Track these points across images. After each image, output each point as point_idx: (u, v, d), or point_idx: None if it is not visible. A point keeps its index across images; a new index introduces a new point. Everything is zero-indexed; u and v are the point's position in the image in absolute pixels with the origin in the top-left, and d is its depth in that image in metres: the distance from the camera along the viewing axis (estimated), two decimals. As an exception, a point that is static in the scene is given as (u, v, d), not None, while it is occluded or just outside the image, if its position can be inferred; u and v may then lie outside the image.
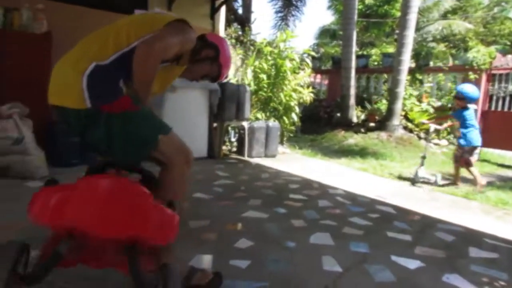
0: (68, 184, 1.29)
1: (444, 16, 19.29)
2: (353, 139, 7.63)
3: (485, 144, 7.55)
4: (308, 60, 6.65)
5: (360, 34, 18.66)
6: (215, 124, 5.02)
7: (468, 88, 4.53)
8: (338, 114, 9.01)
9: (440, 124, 5.21)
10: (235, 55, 6.42)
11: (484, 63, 7.73)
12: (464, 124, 4.47)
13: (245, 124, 5.26)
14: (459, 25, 18.05)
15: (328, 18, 51.07)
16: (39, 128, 3.77)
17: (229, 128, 5.63)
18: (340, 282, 1.96)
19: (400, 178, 4.91)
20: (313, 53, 8.28)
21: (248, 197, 3.38)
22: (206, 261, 2.05)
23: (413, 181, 4.57)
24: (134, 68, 1.52)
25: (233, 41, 6.56)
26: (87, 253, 1.28)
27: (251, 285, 1.83)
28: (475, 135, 4.44)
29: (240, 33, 6.92)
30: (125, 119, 1.53)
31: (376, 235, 2.69)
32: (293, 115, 6.22)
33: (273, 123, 5.66)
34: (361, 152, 6.76)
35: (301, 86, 6.35)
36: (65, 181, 1.36)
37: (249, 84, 5.75)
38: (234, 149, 5.63)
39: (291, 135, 6.77)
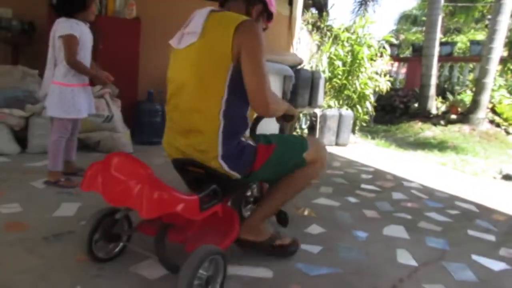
0: None
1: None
2: (431, 132, 7.20)
3: None
4: (387, 47, 6.35)
5: (445, 19, 17.32)
6: (287, 111, 5.06)
7: None
8: (416, 105, 8.53)
9: None
10: (311, 41, 6.34)
11: None
12: None
13: (317, 111, 5.23)
14: None
15: (409, 3, 47.92)
16: (126, 108, 4.11)
17: (301, 115, 5.63)
18: (416, 277, 1.91)
19: (484, 174, 4.56)
20: (392, 40, 7.89)
21: (319, 184, 3.39)
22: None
23: None
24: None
25: (310, 26, 6.47)
26: None
27: (323, 270, 1.85)
28: None
29: (317, 18, 6.80)
30: (271, 165, 1.69)
31: (455, 233, 2.56)
32: (367, 104, 6.03)
33: (346, 111, 5.55)
34: (440, 146, 6.37)
35: (377, 74, 6.11)
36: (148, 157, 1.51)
37: (323, 71, 5.68)
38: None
39: (364, 124, 6.57)
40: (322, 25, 6.60)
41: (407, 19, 20.84)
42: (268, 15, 1.78)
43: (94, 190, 1.40)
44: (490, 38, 7.34)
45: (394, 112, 8.93)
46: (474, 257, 2.18)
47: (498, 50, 7.27)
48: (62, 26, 2.58)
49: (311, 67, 6.00)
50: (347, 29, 6.14)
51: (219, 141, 1.53)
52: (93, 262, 1.64)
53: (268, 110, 1.56)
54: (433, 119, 7.68)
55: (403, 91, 9.67)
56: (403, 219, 2.70)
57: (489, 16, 9.31)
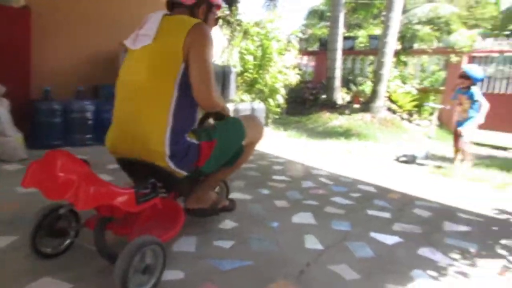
0: None
1: (430, -1, 19.30)
2: (338, 121, 7.71)
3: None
4: (295, 42, 6.62)
5: (347, 15, 18.60)
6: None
7: (475, 69, 4.51)
8: (324, 96, 9.06)
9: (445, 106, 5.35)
10: (222, 36, 6.35)
11: (465, 46, 7.83)
12: (474, 104, 4.37)
13: (230, 105, 5.27)
14: (444, 8, 18.11)
15: (315, -2, 50.37)
16: (17, 109, 3.70)
17: (215, 110, 5.63)
18: (322, 259, 2.03)
19: (382, 158, 5.02)
20: (300, 35, 8.25)
21: (232, 178, 3.41)
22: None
23: (413, 160, 4.70)
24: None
25: (220, 21, 6.47)
26: None
27: (235, 264, 1.88)
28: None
29: (227, 12, 6.82)
30: (214, 159, 1.87)
31: (357, 214, 2.78)
32: (279, 97, 6.24)
33: (258, 104, 5.68)
34: (346, 134, 6.86)
35: (287, 68, 6.35)
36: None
37: (234, 66, 5.73)
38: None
39: (277, 116, 6.80)
40: (232, 20, 6.64)
41: (315, 15, 21.98)
42: (215, 6, 1.92)
43: (34, 187, 1.43)
44: (385, 33, 8.06)
45: (304, 103, 9.37)
46: (372, 234, 2.39)
47: (392, 44, 8.02)
48: None
49: (223, 62, 6.01)
50: (257, 24, 6.26)
51: (166, 141, 1.63)
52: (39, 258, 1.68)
53: (212, 102, 1.74)
54: (339, 109, 8.24)
55: (312, 84, 10.20)
56: (311, 206, 2.85)
57: (383, 13, 10.20)
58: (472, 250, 2.26)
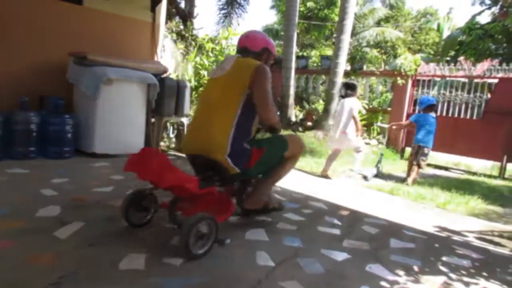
0: None
1: (378, 23, 20.54)
2: (292, 138, 7.86)
3: (410, 143, 8.23)
4: (250, 59, 6.72)
5: (301, 35, 19.25)
6: (153, 120, 4.90)
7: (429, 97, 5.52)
8: (278, 113, 9.22)
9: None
10: (176, 50, 6.29)
11: (410, 70, 8.35)
12: (424, 127, 5.19)
13: (184, 120, 5.19)
14: (391, 33, 19.32)
15: (271, 17, 51.81)
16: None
17: (168, 124, 5.53)
18: (273, 276, 2.03)
19: (333, 175, 5.17)
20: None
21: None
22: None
23: (366, 178, 5.01)
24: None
25: (174, 35, 6.42)
26: None
27: (185, 282, 1.83)
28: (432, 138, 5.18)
29: (181, 27, 6.78)
30: (261, 163, 2.48)
31: (308, 230, 2.82)
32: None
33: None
34: (299, 150, 6.98)
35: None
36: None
37: (189, 80, 5.68)
38: (173, 145, 5.54)
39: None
40: (187, 34, 6.62)
41: (269, 33, 22.53)
42: (272, 55, 2.64)
43: (132, 171, 2.16)
44: (336, 54, 8.40)
45: (260, 119, 9.47)
46: (323, 250, 2.43)
47: (342, 65, 8.37)
48: None
49: (177, 76, 5.95)
50: (212, 40, 6.29)
51: (227, 143, 2.27)
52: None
53: (268, 115, 2.38)
54: (293, 126, 8.41)
55: (267, 100, 10.35)
56: (264, 222, 2.85)
57: (335, 35, 10.66)
58: (416, 266, 2.36)
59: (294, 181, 4.47)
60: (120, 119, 4.41)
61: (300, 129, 8.21)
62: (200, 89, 5.89)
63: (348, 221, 3.17)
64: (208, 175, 2.31)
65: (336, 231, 2.85)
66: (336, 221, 3.09)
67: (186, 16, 6.91)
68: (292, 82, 9.04)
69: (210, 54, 6.07)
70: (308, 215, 3.18)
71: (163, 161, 2.18)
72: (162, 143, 5.37)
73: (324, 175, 4.96)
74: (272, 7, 22.33)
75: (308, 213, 3.25)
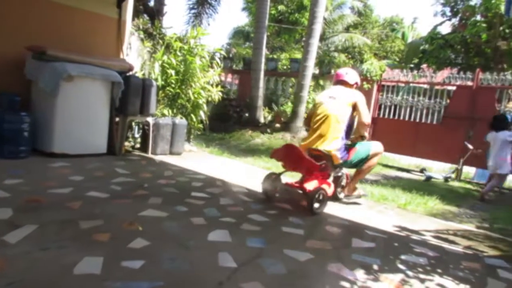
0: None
1: (347, 29, 21.04)
2: (260, 139, 7.89)
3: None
4: (218, 59, 6.67)
5: (271, 38, 19.40)
6: (117, 119, 4.76)
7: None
8: (247, 114, 9.23)
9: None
10: (143, 48, 6.15)
11: (376, 75, 8.60)
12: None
13: (150, 119, 5.08)
14: (359, 39, 19.84)
15: (243, 19, 51.88)
16: None
17: (133, 124, 5.39)
18: (235, 277, 2.01)
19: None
20: (223, 52, 8.35)
21: (148, 195, 3.27)
22: None
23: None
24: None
25: (142, 33, 6.27)
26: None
27: (143, 286, 1.78)
28: None
29: (149, 25, 6.64)
30: (355, 157, 3.70)
31: (272, 231, 2.82)
32: (201, 113, 6.19)
33: (180, 120, 5.57)
34: (267, 152, 7.01)
35: (210, 85, 6.35)
36: None
37: (156, 79, 5.57)
38: (138, 145, 5.40)
39: (199, 133, 6.73)
40: (154, 33, 6.49)
41: (240, 35, 22.56)
42: (357, 84, 3.89)
43: (276, 159, 3.61)
44: (305, 57, 8.53)
45: (229, 121, 9.45)
46: (286, 251, 2.44)
47: (311, 68, 8.50)
48: None
49: (144, 74, 5.82)
50: (180, 39, 6.19)
51: (338, 144, 3.52)
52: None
53: (367, 126, 3.67)
54: (262, 128, 8.45)
55: (236, 101, 10.35)
56: (228, 223, 2.83)
57: (304, 38, 10.80)
58: (375, 265, 2.41)
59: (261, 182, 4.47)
60: (81, 117, 4.26)
61: (269, 130, 8.25)
62: (168, 88, 5.79)
63: (312, 221, 3.20)
64: (323, 163, 3.43)
65: (300, 231, 2.87)
66: (300, 222, 3.11)
67: (154, 13, 6.77)
68: (261, 84, 9.09)
69: (178, 53, 5.97)
70: (272, 216, 3.18)
71: (300, 152, 3.42)
72: (126, 143, 5.23)
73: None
74: (244, 9, 22.38)
75: (273, 213, 3.25)
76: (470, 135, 7.28)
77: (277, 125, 8.56)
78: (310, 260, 2.36)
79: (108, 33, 5.28)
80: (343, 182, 4.03)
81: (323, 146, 3.52)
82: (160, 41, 6.37)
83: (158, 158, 5.07)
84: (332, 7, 20.61)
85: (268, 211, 3.30)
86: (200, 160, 5.44)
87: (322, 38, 18.52)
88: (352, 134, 3.75)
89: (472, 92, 7.45)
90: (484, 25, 14.56)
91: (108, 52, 5.17)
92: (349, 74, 3.79)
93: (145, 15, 6.92)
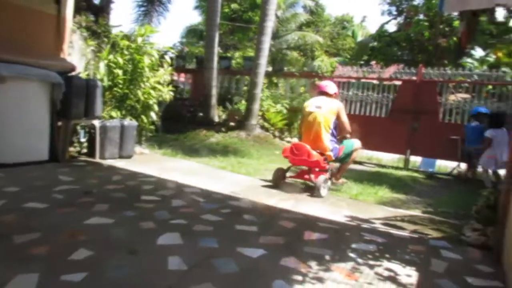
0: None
1: (300, 27, 21.36)
2: (215, 138, 7.80)
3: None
4: (168, 58, 6.50)
5: (224, 36, 19.27)
6: (60, 123, 4.49)
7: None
8: (201, 114, 9.09)
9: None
10: (86, 47, 5.85)
11: (327, 71, 8.79)
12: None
13: (96, 122, 4.84)
14: (312, 37, 20.20)
15: (196, 18, 51.25)
16: None
17: (78, 128, 5.11)
18: (185, 280, 1.95)
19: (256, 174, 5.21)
20: (173, 51, 8.17)
21: (94, 202, 3.10)
22: None
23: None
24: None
25: (84, 30, 5.96)
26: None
27: (84, 297, 1.67)
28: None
29: (93, 22, 6.32)
30: (343, 154, 4.54)
31: (225, 230, 2.77)
32: (152, 114, 6.00)
33: (129, 122, 5.36)
34: (222, 151, 6.95)
35: (160, 84, 6.17)
36: None
37: (101, 80, 5.31)
38: (85, 150, 5.13)
39: (151, 134, 6.53)
40: (99, 30, 6.20)
41: (193, 33, 22.23)
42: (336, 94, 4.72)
43: (286, 157, 4.36)
44: (257, 55, 8.53)
45: (183, 121, 9.26)
46: (239, 249, 2.40)
47: (263, 66, 8.52)
48: None
49: (88, 75, 5.53)
50: (127, 37, 5.96)
51: (329, 145, 4.29)
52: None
53: (347, 132, 4.48)
54: (216, 127, 8.35)
55: (189, 101, 10.17)
56: (180, 226, 2.75)
57: (256, 36, 10.80)
58: (327, 256, 2.44)
59: (215, 181, 4.41)
60: (16, 122, 3.96)
61: (223, 129, 8.18)
62: (115, 89, 5.56)
63: (266, 217, 3.19)
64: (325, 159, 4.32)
65: (254, 228, 2.85)
66: (254, 219, 3.09)
67: (98, 10, 6.46)
68: (215, 82, 8.99)
69: (125, 52, 5.74)
70: (226, 215, 3.14)
71: (306, 149, 4.17)
72: (71, 148, 4.95)
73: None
74: (196, 7, 22.08)
75: (226, 212, 3.20)
76: (415, 127, 7.64)
77: (232, 123, 8.51)
78: (263, 256, 2.34)
79: (46, 31, 4.95)
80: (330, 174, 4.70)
81: (319, 148, 4.28)
82: (105, 40, 6.10)
83: (106, 162, 4.85)
84: (285, 5, 20.83)
85: (222, 210, 3.25)
86: (152, 162, 5.27)
87: (276, 36, 18.67)
88: (338, 134, 4.51)
89: (416, 86, 7.82)
90: (426, 23, 15.38)
91: (46, 51, 4.84)
92: (329, 86, 4.58)
93: (89, 13, 6.59)
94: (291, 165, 4.49)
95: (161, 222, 2.77)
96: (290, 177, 4.55)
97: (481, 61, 14.44)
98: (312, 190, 4.23)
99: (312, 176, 4.29)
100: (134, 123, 5.46)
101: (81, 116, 4.59)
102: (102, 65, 5.37)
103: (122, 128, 5.12)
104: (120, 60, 5.54)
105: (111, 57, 5.58)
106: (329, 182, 4.42)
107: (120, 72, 5.56)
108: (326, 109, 4.31)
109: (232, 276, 2.04)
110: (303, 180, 4.50)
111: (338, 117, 4.36)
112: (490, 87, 7.94)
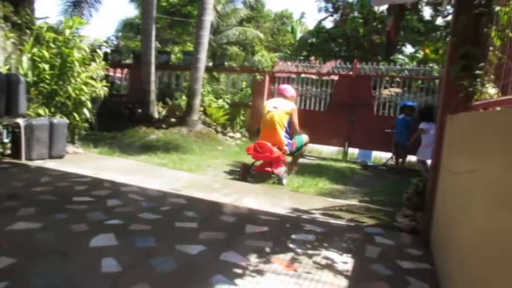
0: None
1: (241, 23, 21.39)
2: (155, 135, 7.56)
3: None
4: (100, 52, 6.16)
5: (163, 30, 18.75)
6: (-23, 122, 4.08)
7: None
8: (140, 110, 8.76)
9: None
10: (5, 39, 5.35)
11: (267, 66, 8.87)
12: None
13: (20, 121, 4.46)
14: (252, 33, 20.32)
15: (132, 11, 49.12)
16: None
17: (0, 127, 4.68)
18: (119, 282, 1.86)
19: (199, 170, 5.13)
20: (107, 45, 7.76)
21: (19, 206, 2.86)
22: None
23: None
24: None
25: (2, 21, 5.43)
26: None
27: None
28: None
29: (13, 13, 5.78)
30: (295, 148, 5.09)
31: (164, 228, 2.70)
32: (86, 111, 5.67)
33: (59, 119, 5.01)
34: (163, 148, 6.76)
35: (93, 79, 5.84)
36: None
37: (25, 75, 4.90)
38: (9, 151, 4.71)
39: (85, 133, 6.16)
40: (20, 21, 5.70)
41: (130, 27, 21.34)
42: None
43: (250, 154, 4.76)
44: (196, 49, 8.37)
45: (121, 118, 8.86)
46: (178, 246, 2.34)
47: (203, 61, 8.39)
48: None
49: (9, 70, 5.07)
50: (53, 29, 5.55)
51: (284, 140, 4.81)
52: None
53: (297, 130, 4.98)
54: (156, 123, 8.09)
55: (127, 97, 9.76)
56: (115, 226, 2.62)
57: (194, 30, 10.61)
58: (268, 248, 2.46)
59: (155, 179, 4.28)
60: None
61: (164, 126, 7.95)
62: (42, 84, 5.15)
63: (206, 213, 3.15)
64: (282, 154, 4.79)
65: (194, 225, 2.80)
66: (194, 215, 3.04)
67: (18, 0, 5.91)
68: (153, 77, 8.71)
69: (52, 45, 5.34)
70: (165, 213, 3.05)
71: (268, 147, 4.62)
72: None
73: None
74: (132, 0, 21.18)
75: (165, 210, 3.12)
76: (353, 120, 7.99)
77: (173, 120, 8.29)
78: (203, 252, 2.30)
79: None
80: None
81: (276, 142, 4.76)
82: (28, 32, 5.63)
83: (34, 163, 4.50)
84: (224, 0, 20.73)
85: (161, 208, 3.15)
86: (87, 162, 4.98)
87: (216, 31, 18.54)
88: (290, 131, 5.00)
89: (352, 81, 8.17)
90: (360, 21, 16.13)
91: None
92: (287, 90, 5.27)
93: (8, 2, 6.02)
94: (254, 160, 4.95)
95: (95, 224, 2.63)
96: (253, 170, 4.98)
97: (411, 57, 15.50)
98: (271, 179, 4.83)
99: (275, 169, 4.81)
100: (65, 120, 5.12)
101: (2, 115, 4.21)
102: (25, 59, 4.96)
103: (51, 127, 4.77)
104: (46, 54, 5.15)
105: (35, 50, 5.16)
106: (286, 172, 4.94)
107: (46, 66, 5.17)
108: (281, 109, 4.87)
109: (170, 275, 1.99)
110: (265, 171, 4.92)
111: (290, 117, 4.86)
112: (419, 81, 8.52)
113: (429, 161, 6.26)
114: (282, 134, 4.82)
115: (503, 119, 1.48)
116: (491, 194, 1.44)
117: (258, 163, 5.03)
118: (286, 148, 4.82)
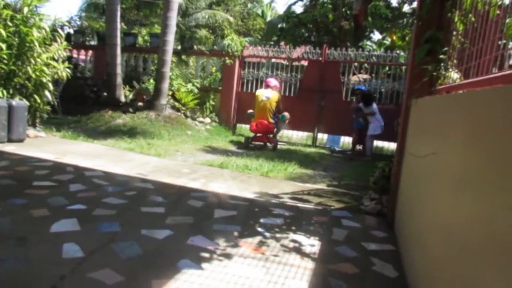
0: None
1: (210, 6, 20.95)
2: (122, 119, 7.34)
3: (238, 120, 8.74)
4: (63, 32, 5.87)
5: (129, 11, 18.09)
6: None
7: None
8: (105, 94, 8.47)
9: None
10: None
11: (237, 51, 8.77)
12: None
13: (-26, 102, 4.21)
14: (222, 16, 19.98)
15: (97, -9, 46.96)
16: None
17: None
18: (81, 268, 1.80)
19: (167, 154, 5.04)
20: (69, 25, 7.39)
21: None
22: None
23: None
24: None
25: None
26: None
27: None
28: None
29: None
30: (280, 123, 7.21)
31: (129, 212, 2.64)
32: (47, 93, 5.41)
33: (18, 101, 4.76)
34: (130, 132, 6.59)
35: (55, 61, 5.56)
36: None
37: (-21, 54, 4.60)
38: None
39: (47, 116, 5.89)
40: (-28, -3, 5.32)
41: (95, 8, 20.44)
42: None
43: (252, 130, 6.97)
44: (164, 31, 8.13)
45: (85, 101, 8.53)
46: (143, 231, 2.30)
47: (171, 43, 8.16)
48: None
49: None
50: (10, 6, 5.22)
51: (272, 120, 6.88)
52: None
53: (282, 112, 6.99)
54: (123, 107, 7.84)
55: (92, 80, 9.40)
56: (78, 211, 2.53)
57: (162, 12, 10.29)
58: (236, 232, 2.46)
59: (121, 163, 4.16)
60: None
61: (131, 110, 7.72)
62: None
63: (174, 198, 3.10)
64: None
65: (161, 210, 2.75)
66: (161, 200, 2.99)
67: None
68: (119, 60, 8.39)
69: (9, 23, 5.03)
70: (130, 197, 2.98)
71: (266, 123, 6.72)
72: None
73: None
74: (96, -22, 20.20)
75: (131, 195, 3.04)
76: (322, 105, 8.08)
77: (140, 104, 8.06)
78: (170, 236, 2.27)
79: None
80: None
81: (268, 121, 6.72)
82: (-19, 8, 5.26)
83: (-10, 147, 4.27)
84: (193, -18, 20.19)
85: (127, 193, 3.08)
86: (48, 146, 4.78)
87: (185, 14, 18.08)
88: (276, 113, 6.79)
89: (321, 66, 8.22)
90: (330, 6, 16.18)
91: None
92: (272, 82, 7.14)
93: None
94: (254, 134, 7.00)
95: (56, 209, 2.53)
96: (251, 141, 6.99)
97: (379, 44, 15.76)
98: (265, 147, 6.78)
99: (271, 142, 6.95)
100: (25, 103, 4.88)
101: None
102: (-21, 37, 4.64)
103: (10, 109, 4.53)
104: (3, 33, 4.85)
105: (-10, 28, 4.84)
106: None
107: (4, 46, 4.87)
108: (271, 99, 6.81)
109: (135, 260, 1.95)
110: (262, 142, 7.02)
111: (277, 104, 6.83)
112: (387, 68, 8.69)
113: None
114: (270, 116, 6.81)
115: (464, 102, 1.52)
116: (451, 175, 1.49)
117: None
118: (274, 125, 6.87)
